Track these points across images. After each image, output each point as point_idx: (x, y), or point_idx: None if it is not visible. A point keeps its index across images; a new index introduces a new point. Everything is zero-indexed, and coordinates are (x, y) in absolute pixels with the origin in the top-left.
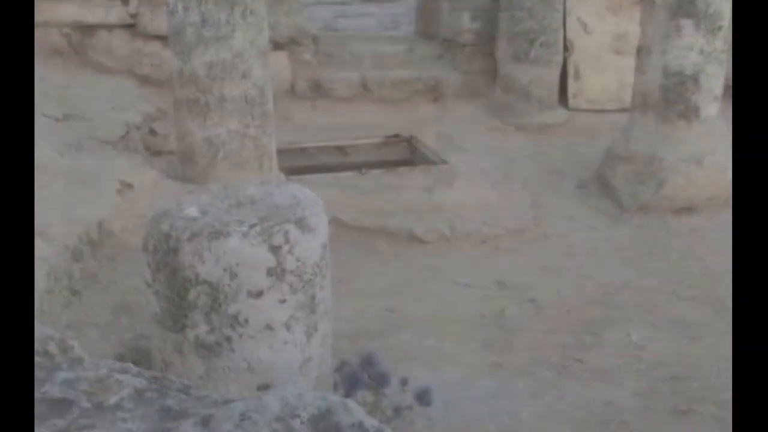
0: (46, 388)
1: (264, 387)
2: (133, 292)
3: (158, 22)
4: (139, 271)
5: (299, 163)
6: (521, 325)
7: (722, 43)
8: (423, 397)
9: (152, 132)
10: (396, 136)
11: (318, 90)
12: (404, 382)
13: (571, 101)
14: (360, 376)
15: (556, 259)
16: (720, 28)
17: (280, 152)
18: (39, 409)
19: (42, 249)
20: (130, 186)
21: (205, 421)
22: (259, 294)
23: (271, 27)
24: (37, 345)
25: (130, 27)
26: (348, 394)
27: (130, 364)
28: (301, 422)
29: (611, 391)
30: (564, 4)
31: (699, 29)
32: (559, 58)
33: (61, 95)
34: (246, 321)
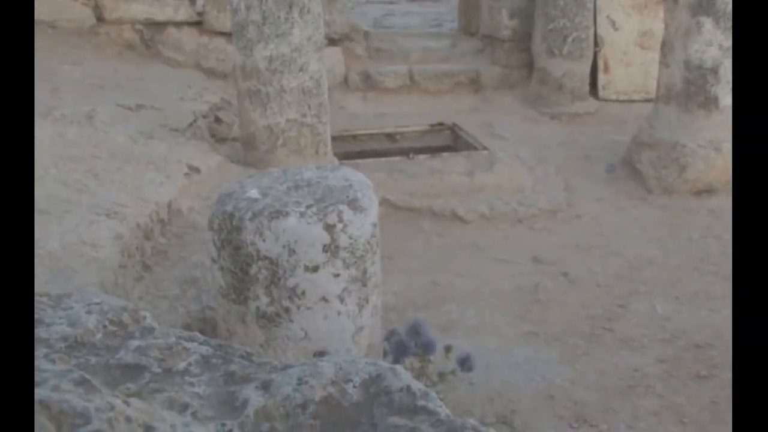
0: (120, 354)
1: (319, 354)
2: (200, 267)
3: (223, 20)
4: (205, 248)
5: (352, 149)
6: (555, 297)
7: None
8: (465, 363)
9: (217, 120)
10: (440, 124)
11: (369, 82)
12: (448, 349)
13: (600, 92)
14: (408, 344)
15: (587, 237)
16: None
17: (335, 139)
18: (113, 374)
19: (116, 227)
20: (196, 170)
21: (266, 385)
22: (315, 269)
23: (326, 24)
24: (112, 315)
25: (197, 24)
26: (396, 361)
27: (197, 333)
28: (354, 386)
29: (638, 358)
30: (594, 3)
31: (718, 26)
32: (590, 53)
33: (133, 87)
34: (303, 293)
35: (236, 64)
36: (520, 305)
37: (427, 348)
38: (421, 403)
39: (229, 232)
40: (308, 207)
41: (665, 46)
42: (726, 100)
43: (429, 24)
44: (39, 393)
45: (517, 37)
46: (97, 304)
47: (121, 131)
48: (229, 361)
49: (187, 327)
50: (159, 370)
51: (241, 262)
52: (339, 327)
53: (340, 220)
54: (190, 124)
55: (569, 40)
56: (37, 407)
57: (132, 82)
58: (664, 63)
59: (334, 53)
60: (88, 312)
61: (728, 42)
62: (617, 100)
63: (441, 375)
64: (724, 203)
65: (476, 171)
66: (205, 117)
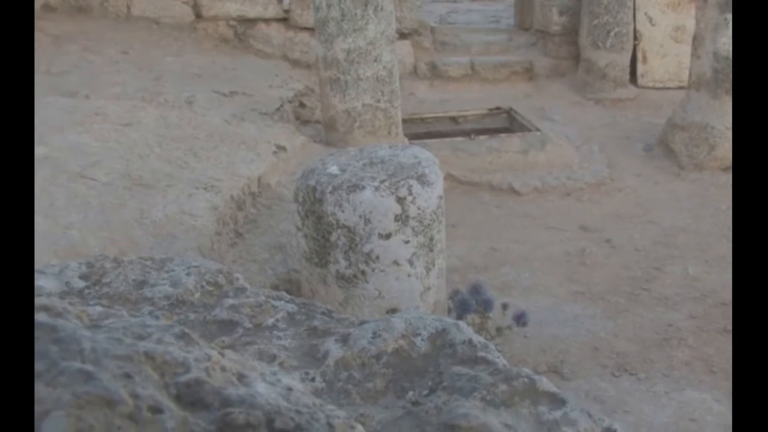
0: (215, 312)
1: (392, 311)
2: (286, 235)
3: (306, 17)
4: (290, 217)
5: (420, 130)
6: (599, 261)
7: None
8: (520, 319)
9: (302, 105)
10: (498, 108)
11: (435, 71)
12: (505, 307)
13: (639, 80)
14: (469, 302)
15: (627, 208)
16: None
17: (405, 121)
18: (210, 328)
19: (212, 199)
20: (283, 149)
21: (345, 339)
22: (388, 236)
23: (397, 20)
24: (209, 277)
25: (284, 20)
26: (459, 317)
27: (284, 293)
28: (422, 339)
29: (672, 315)
30: (634, 1)
31: None
32: (630, 46)
33: (228, 76)
34: (377, 258)
35: (318, 55)
36: (569, 268)
37: (486, 306)
38: (481, 354)
39: (312, 204)
40: (382, 181)
41: (696, 40)
42: None
43: (488, 20)
44: (144, 345)
45: (565, 32)
46: (196, 267)
47: (216, 115)
48: (311, 317)
49: (275, 287)
50: (250, 326)
51: (323, 230)
52: (409, 287)
53: (410, 193)
54: (278, 109)
55: (612, 34)
56: (142, 358)
57: (226, 72)
58: (695, 54)
59: (405, 46)
60: (188, 274)
61: None
62: (654, 88)
63: (499, 329)
64: None
65: (530, 149)
66: (290, 102)
